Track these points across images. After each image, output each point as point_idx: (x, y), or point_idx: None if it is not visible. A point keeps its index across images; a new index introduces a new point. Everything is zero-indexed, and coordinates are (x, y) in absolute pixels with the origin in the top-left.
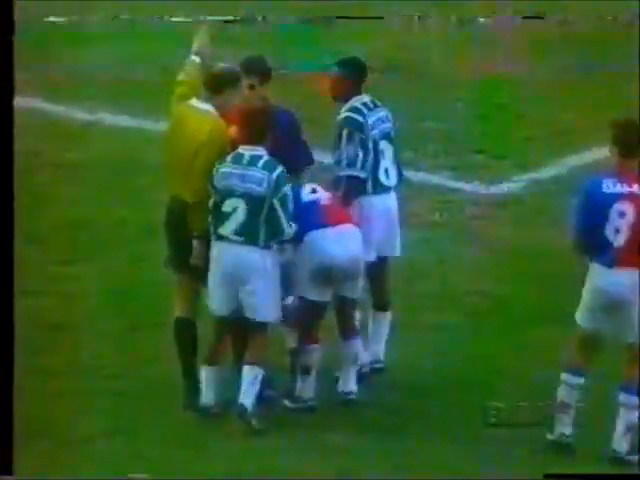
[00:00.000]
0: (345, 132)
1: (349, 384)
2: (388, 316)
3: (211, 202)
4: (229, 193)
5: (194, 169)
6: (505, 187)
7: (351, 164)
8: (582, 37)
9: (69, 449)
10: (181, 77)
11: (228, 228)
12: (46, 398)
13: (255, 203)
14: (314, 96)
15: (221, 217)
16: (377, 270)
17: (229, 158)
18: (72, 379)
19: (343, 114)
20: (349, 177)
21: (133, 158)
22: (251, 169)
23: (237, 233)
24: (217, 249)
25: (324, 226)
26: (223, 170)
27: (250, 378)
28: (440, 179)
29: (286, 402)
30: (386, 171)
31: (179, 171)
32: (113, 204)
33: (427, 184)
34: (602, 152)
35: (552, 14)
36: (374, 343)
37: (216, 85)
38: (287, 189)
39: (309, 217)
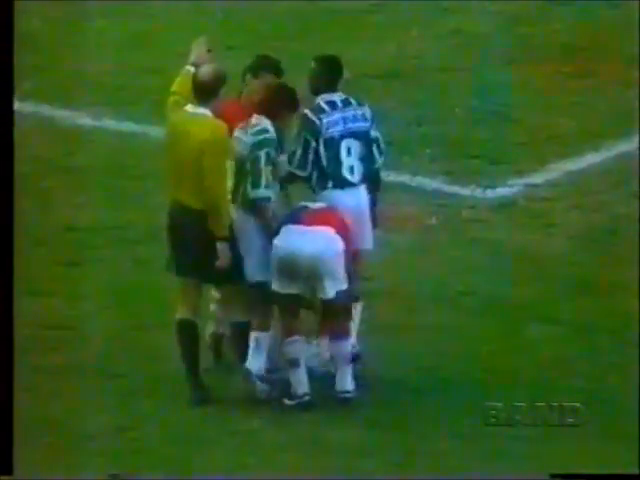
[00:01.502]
0: (296, 130)
1: (345, 383)
2: (359, 307)
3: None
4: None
5: (201, 174)
6: (500, 191)
7: (290, 161)
8: (575, 44)
9: (72, 448)
10: (175, 88)
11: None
12: (52, 397)
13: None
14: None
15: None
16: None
17: (322, 105)
18: (77, 378)
19: (303, 110)
20: (289, 172)
21: (136, 163)
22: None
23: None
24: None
25: (298, 224)
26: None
27: (254, 344)
28: (437, 183)
29: (284, 400)
30: (351, 168)
31: (182, 177)
32: (117, 207)
33: (424, 188)
34: (595, 157)
35: (546, 21)
36: None
37: (207, 90)
38: None
39: (291, 217)
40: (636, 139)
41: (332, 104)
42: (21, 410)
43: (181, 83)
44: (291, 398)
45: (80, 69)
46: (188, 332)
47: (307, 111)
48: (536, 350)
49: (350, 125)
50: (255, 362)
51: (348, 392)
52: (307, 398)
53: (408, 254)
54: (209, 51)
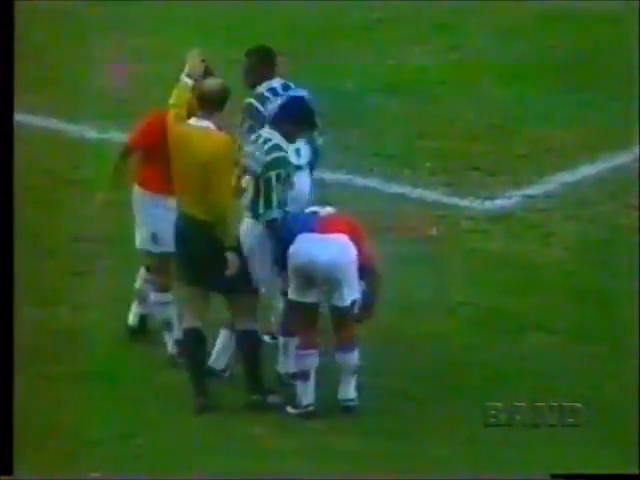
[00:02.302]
0: (241, 117)
1: (349, 391)
2: None
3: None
4: None
5: (206, 187)
6: (498, 202)
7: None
8: (571, 59)
9: (76, 454)
10: (173, 100)
11: None
12: (57, 403)
13: None
14: None
15: None
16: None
17: (264, 94)
18: (80, 384)
19: (247, 99)
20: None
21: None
22: None
23: None
24: None
25: (312, 232)
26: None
27: (283, 348)
28: (437, 195)
29: (288, 408)
30: (297, 151)
31: (187, 189)
32: (123, 219)
33: (424, 200)
34: (590, 169)
35: (542, 37)
36: None
37: (211, 104)
38: None
39: (303, 224)
40: (630, 152)
41: (273, 90)
42: (28, 417)
43: (179, 95)
44: (295, 407)
45: (86, 83)
46: (195, 340)
47: (252, 100)
48: (534, 358)
49: None
50: (283, 365)
51: (351, 400)
52: (311, 409)
53: (409, 264)
54: (203, 61)
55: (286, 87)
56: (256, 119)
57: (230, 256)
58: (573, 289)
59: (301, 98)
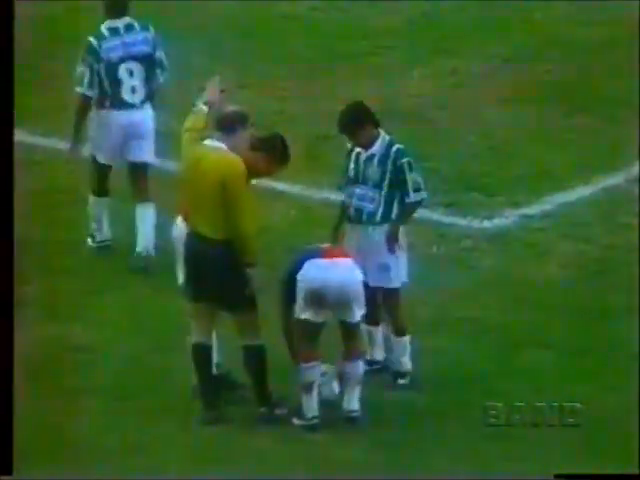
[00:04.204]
0: (81, 54)
1: (353, 403)
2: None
3: None
4: None
5: (223, 207)
6: (497, 222)
7: (79, 83)
8: (567, 84)
9: (89, 464)
10: (188, 125)
11: None
12: (71, 416)
13: None
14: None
15: None
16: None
17: (103, 32)
18: (94, 398)
19: (88, 38)
20: (81, 94)
21: (156, 194)
22: None
23: None
24: None
25: (320, 258)
26: None
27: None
28: (437, 215)
29: (294, 419)
30: (132, 89)
31: (200, 210)
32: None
33: (425, 219)
34: (585, 190)
35: (538, 62)
36: None
37: (228, 125)
38: None
39: (309, 253)
40: (623, 173)
41: (114, 30)
42: (32, 422)
43: (195, 121)
44: (300, 418)
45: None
46: (202, 355)
47: (91, 38)
48: (531, 372)
49: (131, 49)
50: (369, 352)
51: (355, 412)
52: (315, 421)
53: (410, 281)
54: (222, 91)
55: (130, 27)
56: (91, 55)
57: (249, 273)
58: (568, 305)
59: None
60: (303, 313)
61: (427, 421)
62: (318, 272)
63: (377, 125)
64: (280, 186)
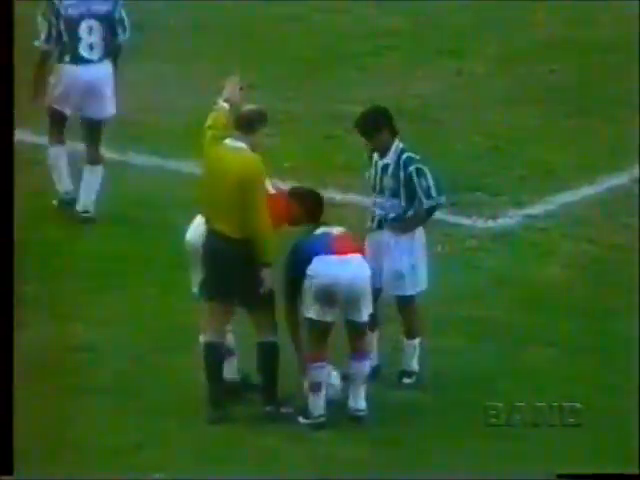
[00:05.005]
0: (41, 7)
1: (359, 401)
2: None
3: None
4: None
5: (242, 206)
6: (501, 222)
7: (38, 37)
8: (571, 84)
9: (91, 464)
10: (210, 122)
11: None
12: (72, 415)
13: None
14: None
15: None
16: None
17: None
18: (94, 398)
19: None
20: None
21: (159, 194)
22: None
23: None
24: None
25: (330, 253)
26: None
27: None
28: (442, 215)
29: (300, 418)
30: (90, 45)
31: (220, 208)
32: (142, 238)
33: (431, 219)
34: (589, 190)
35: (542, 63)
36: None
37: (248, 125)
38: None
39: (319, 246)
40: (626, 174)
41: None
42: (32, 422)
43: (216, 118)
44: (306, 417)
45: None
46: (215, 354)
47: None
48: (534, 370)
49: (91, 7)
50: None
51: (362, 410)
52: (322, 420)
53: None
54: (241, 89)
55: None
56: (51, 11)
57: (265, 272)
58: (571, 304)
59: None
60: (313, 312)
61: (431, 420)
62: (328, 269)
63: (395, 133)
64: (285, 186)
